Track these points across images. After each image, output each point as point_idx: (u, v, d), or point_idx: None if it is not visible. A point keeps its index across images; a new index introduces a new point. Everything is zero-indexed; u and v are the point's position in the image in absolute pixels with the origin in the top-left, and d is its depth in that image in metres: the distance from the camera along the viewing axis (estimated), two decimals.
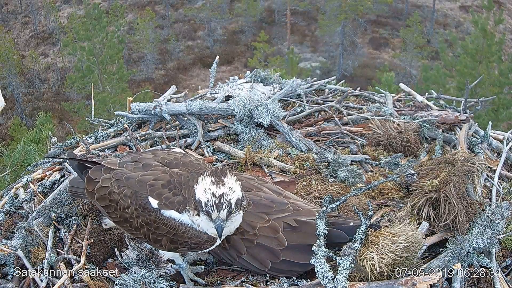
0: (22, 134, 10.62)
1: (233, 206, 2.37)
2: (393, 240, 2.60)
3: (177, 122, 4.86)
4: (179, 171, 2.78)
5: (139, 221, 2.68)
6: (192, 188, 2.48)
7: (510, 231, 3.10)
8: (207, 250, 2.73)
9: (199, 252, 2.88)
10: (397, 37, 34.99)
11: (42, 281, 2.83)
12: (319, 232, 2.75)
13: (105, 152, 4.36)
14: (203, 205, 2.36)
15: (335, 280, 2.47)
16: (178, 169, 2.82)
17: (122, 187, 2.77)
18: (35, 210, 3.51)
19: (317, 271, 2.54)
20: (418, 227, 2.99)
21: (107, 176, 2.86)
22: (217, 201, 2.32)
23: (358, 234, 2.66)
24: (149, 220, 2.64)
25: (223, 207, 2.33)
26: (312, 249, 2.67)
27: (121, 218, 2.77)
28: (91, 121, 5.26)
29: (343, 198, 3.07)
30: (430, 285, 2.48)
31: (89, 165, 3.09)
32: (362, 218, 2.73)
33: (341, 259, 2.56)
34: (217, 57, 6.14)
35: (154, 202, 2.64)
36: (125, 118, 4.98)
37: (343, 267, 2.51)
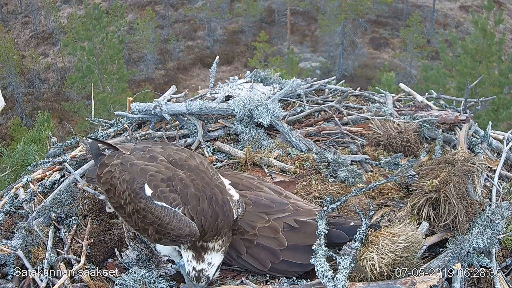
0: (22, 134, 10.60)
1: (211, 278, 2.73)
2: (393, 240, 2.60)
3: (177, 122, 4.85)
4: (183, 177, 2.76)
5: (131, 208, 2.71)
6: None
7: (510, 231, 3.10)
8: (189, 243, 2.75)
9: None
10: (397, 37, 35.00)
11: (42, 281, 2.82)
12: (319, 231, 2.75)
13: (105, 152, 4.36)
14: (186, 271, 2.75)
15: (335, 279, 2.47)
16: (182, 172, 2.81)
17: (123, 171, 2.79)
18: (35, 210, 3.51)
19: (317, 270, 2.54)
20: (418, 227, 2.99)
21: (116, 162, 2.89)
22: (196, 275, 2.70)
23: (359, 234, 2.65)
24: (139, 208, 2.67)
25: (202, 280, 2.71)
26: (313, 248, 2.67)
27: (117, 203, 2.81)
28: (91, 121, 5.25)
29: (344, 198, 3.07)
30: (430, 285, 2.48)
31: (104, 153, 3.16)
32: (363, 218, 2.73)
33: (341, 258, 2.56)
34: (217, 57, 6.13)
35: (148, 191, 2.67)
36: (125, 118, 4.97)
37: (343, 266, 2.51)
